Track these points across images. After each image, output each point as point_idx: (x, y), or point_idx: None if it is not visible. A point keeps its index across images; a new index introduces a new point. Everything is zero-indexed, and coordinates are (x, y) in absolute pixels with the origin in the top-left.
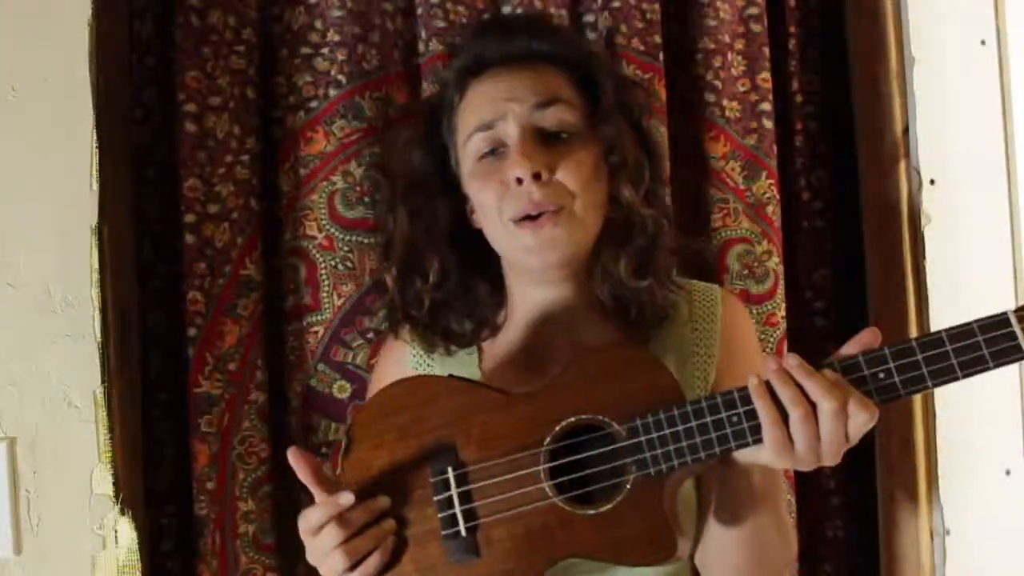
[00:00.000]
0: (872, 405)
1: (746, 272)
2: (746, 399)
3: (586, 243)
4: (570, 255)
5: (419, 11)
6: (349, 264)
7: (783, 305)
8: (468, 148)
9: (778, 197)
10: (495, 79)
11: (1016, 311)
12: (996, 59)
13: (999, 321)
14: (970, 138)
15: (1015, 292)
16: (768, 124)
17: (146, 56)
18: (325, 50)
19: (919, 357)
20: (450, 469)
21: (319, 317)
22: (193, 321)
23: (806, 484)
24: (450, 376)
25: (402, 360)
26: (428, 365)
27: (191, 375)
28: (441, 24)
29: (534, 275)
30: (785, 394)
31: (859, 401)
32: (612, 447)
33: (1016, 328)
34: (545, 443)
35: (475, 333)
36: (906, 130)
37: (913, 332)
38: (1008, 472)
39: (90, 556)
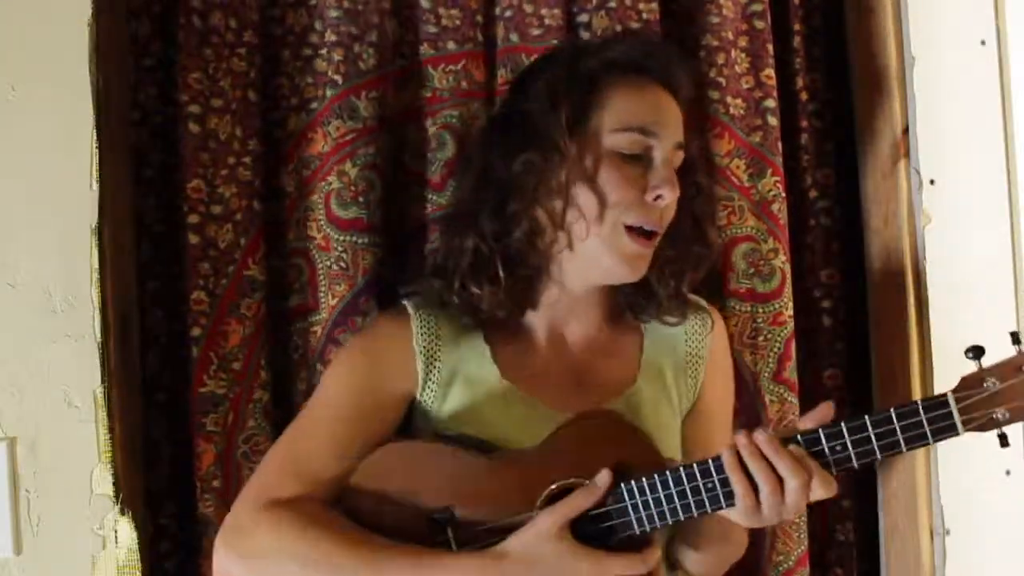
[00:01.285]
0: (832, 481)
1: (752, 271)
2: (720, 468)
3: None
4: (637, 278)
5: (416, 11)
6: (343, 264)
7: (790, 304)
8: (614, 137)
9: (784, 195)
10: (659, 96)
11: (955, 391)
12: (996, 59)
13: (940, 403)
14: (970, 138)
15: (1015, 292)
16: (773, 121)
17: (146, 57)
18: (323, 51)
19: (870, 433)
20: (449, 530)
21: (318, 317)
22: (197, 321)
23: None
24: (432, 440)
25: (403, 335)
26: (436, 348)
27: (196, 375)
28: (433, 30)
29: (594, 273)
30: (756, 469)
31: (822, 478)
32: (601, 510)
33: (953, 409)
34: (537, 505)
35: (502, 311)
36: (906, 130)
37: (913, 332)
38: (1008, 472)
39: (90, 556)
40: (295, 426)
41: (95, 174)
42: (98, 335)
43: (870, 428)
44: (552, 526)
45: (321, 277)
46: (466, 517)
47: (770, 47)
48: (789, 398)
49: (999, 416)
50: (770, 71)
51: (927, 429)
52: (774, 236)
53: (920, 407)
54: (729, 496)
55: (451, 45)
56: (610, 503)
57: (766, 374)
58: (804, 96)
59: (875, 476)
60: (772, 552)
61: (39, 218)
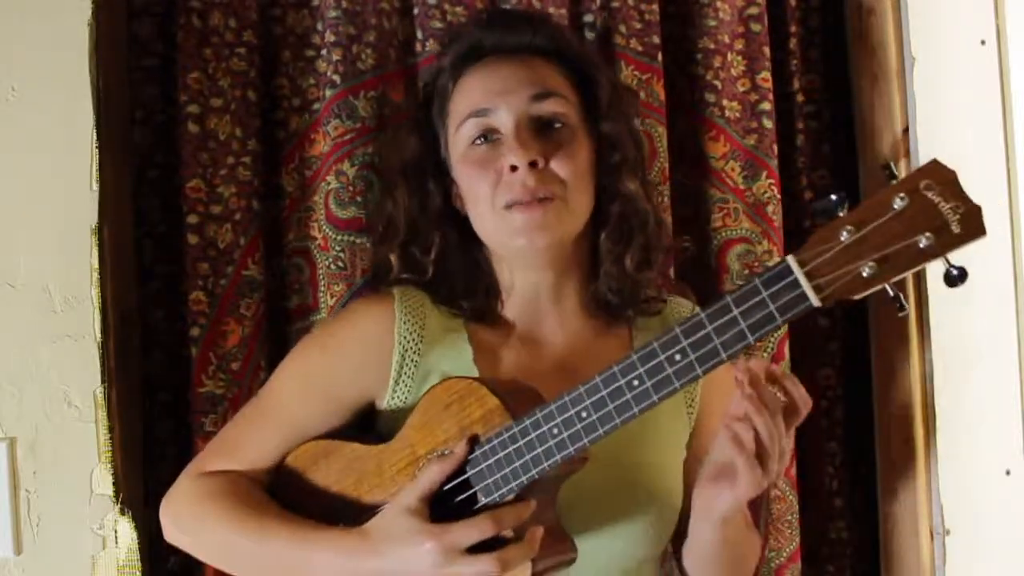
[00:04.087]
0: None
1: (747, 272)
2: (563, 408)
3: (574, 231)
4: (558, 239)
5: (416, 11)
6: (341, 264)
7: None
8: (460, 133)
9: (779, 197)
10: (491, 68)
11: (799, 253)
12: (996, 59)
13: (779, 272)
14: (970, 138)
15: (1015, 292)
16: (768, 124)
17: (146, 57)
18: (324, 51)
19: (709, 330)
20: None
21: (318, 317)
22: (196, 321)
23: (809, 485)
24: (320, 439)
25: (383, 322)
26: (418, 341)
27: (195, 375)
28: (438, 25)
29: (521, 259)
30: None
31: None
32: (461, 479)
33: (798, 274)
34: None
35: (481, 302)
36: (906, 130)
37: (913, 333)
38: (1008, 472)
39: (90, 556)
40: (244, 409)
41: (95, 174)
42: (98, 335)
43: (707, 324)
44: (405, 502)
45: (321, 277)
46: (368, 503)
47: (767, 50)
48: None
49: (866, 272)
50: (766, 74)
51: (772, 308)
52: (768, 238)
53: (758, 283)
54: (575, 438)
55: (440, 47)
56: (468, 470)
57: None
58: (800, 98)
59: (872, 475)
60: (764, 547)
61: (39, 218)
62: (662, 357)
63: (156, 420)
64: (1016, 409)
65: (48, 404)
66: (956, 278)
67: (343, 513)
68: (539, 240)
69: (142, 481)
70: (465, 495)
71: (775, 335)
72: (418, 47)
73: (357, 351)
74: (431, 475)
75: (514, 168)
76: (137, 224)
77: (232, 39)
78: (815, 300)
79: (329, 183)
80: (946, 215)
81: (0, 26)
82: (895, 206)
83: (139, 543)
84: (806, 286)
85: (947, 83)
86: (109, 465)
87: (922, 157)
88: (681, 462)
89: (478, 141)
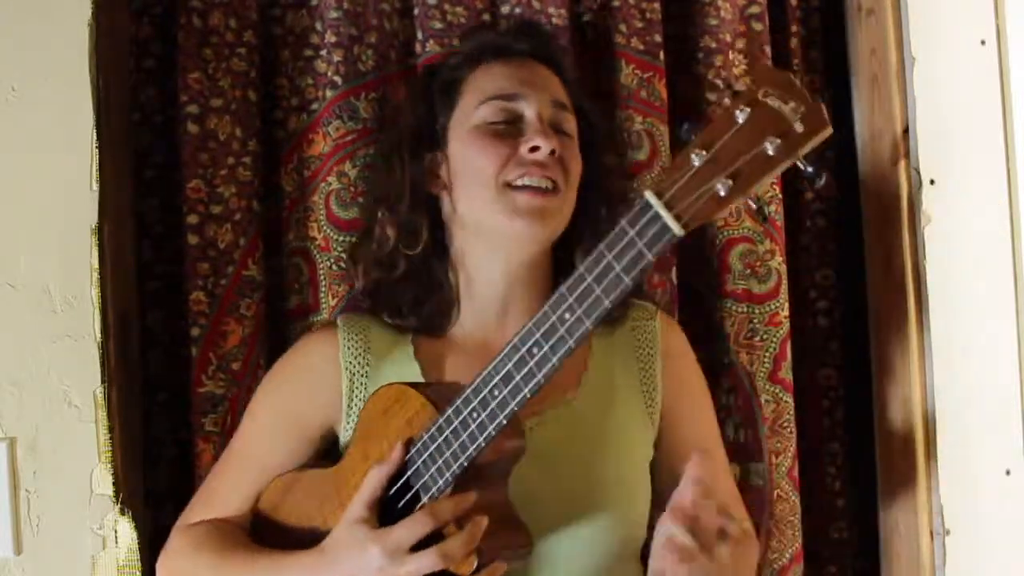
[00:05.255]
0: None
1: (748, 272)
2: (477, 390)
3: (558, 231)
4: (546, 236)
5: (416, 12)
6: (343, 264)
7: (786, 304)
8: (478, 112)
9: (780, 196)
10: (519, 63)
11: (655, 186)
12: (996, 59)
13: (641, 209)
14: (970, 138)
15: (1015, 292)
16: None
17: (146, 57)
18: (323, 51)
19: (589, 281)
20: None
21: (319, 317)
22: (196, 321)
23: (810, 485)
24: (288, 474)
25: (329, 350)
26: (364, 364)
27: (195, 375)
28: (439, 25)
29: (504, 243)
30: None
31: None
32: (402, 481)
33: (657, 207)
34: None
35: (429, 315)
36: (906, 130)
37: (913, 332)
38: (1008, 472)
39: (90, 556)
40: (219, 461)
41: (95, 174)
42: (98, 335)
43: (587, 276)
44: (352, 514)
45: (322, 277)
46: (332, 523)
47: (768, 49)
48: (784, 398)
49: (722, 191)
50: None
51: (640, 245)
52: (771, 237)
53: (624, 223)
54: (492, 416)
55: (457, 42)
56: (408, 472)
57: (762, 374)
58: None
59: (873, 475)
60: (767, 549)
61: (39, 218)
62: (554, 318)
63: (156, 420)
64: (1016, 409)
65: (48, 404)
66: (813, 176)
67: (313, 538)
68: (537, 226)
69: (142, 481)
70: (408, 497)
71: (777, 337)
72: (418, 48)
73: (306, 383)
74: (370, 483)
75: (534, 149)
76: (137, 224)
77: (232, 39)
78: (677, 229)
79: (330, 184)
80: (788, 117)
81: (0, 26)
82: (739, 120)
83: (139, 543)
84: (666, 217)
85: (947, 83)
86: (109, 465)
87: (922, 157)
88: (645, 464)
89: (496, 124)
